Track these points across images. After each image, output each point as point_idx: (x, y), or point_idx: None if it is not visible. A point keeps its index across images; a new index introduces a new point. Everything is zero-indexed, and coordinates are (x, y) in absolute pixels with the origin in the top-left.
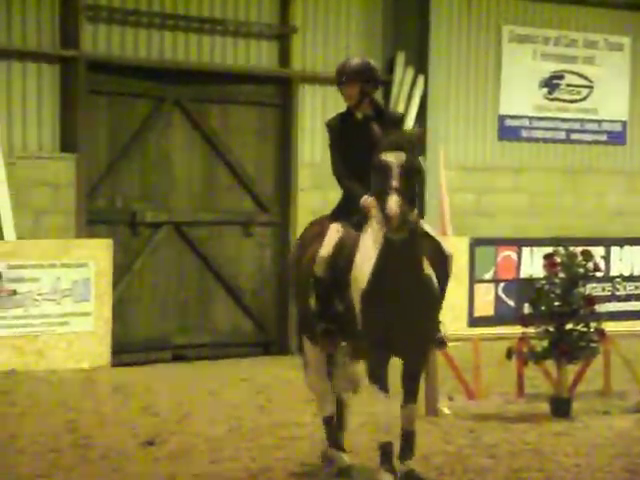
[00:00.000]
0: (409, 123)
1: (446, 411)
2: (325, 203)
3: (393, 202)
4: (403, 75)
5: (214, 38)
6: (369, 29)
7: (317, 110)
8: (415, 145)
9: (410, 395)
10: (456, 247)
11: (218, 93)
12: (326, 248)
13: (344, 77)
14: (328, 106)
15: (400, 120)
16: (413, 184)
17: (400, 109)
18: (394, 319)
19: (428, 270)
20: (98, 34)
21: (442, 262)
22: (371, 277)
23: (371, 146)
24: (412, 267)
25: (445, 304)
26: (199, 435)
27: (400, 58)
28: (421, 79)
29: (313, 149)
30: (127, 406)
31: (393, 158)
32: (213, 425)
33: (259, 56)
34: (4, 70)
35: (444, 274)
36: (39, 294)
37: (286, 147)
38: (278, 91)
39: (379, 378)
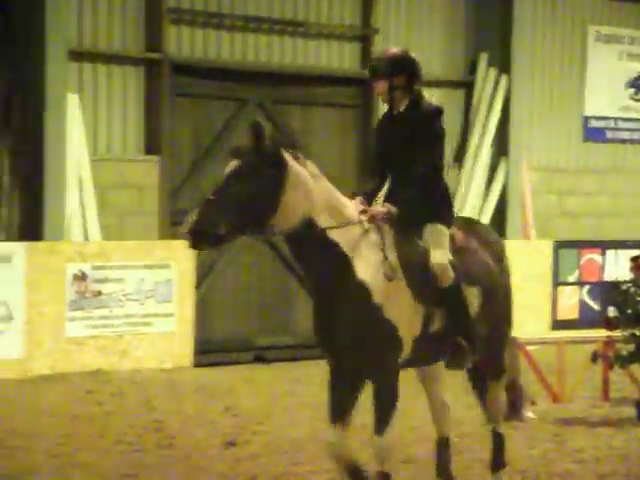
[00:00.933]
0: (440, 117)
1: (530, 415)
2: None
3: (188, 219)
4: (485, 76)
5: (296, 40)
6: (451, 30)
7: None
8: (260, 146)
9: (376, 424)
10: (539, 250)
11: (300, 95)
12: None
13: (370, 75)
14: None
15: (433, 113)
16: (247, 189)
17: (482, 110)
18: (323, 329)
19: (352, 272)
20: (182, 37)
21: (426, 272)
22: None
23: (406, 143)
24: (322, 268)
25: (527, 306)
26: (281, 436)
27: (483, 59)
28: (504, 80)
29: None
30: (209, 406)
31: (226, 168)
32: (294, 426)
33: (341, 57)
34: (90, 73)
35: (431, 285)
36: (123, 295)
37: (367, 148)
38: (359, 92)
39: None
